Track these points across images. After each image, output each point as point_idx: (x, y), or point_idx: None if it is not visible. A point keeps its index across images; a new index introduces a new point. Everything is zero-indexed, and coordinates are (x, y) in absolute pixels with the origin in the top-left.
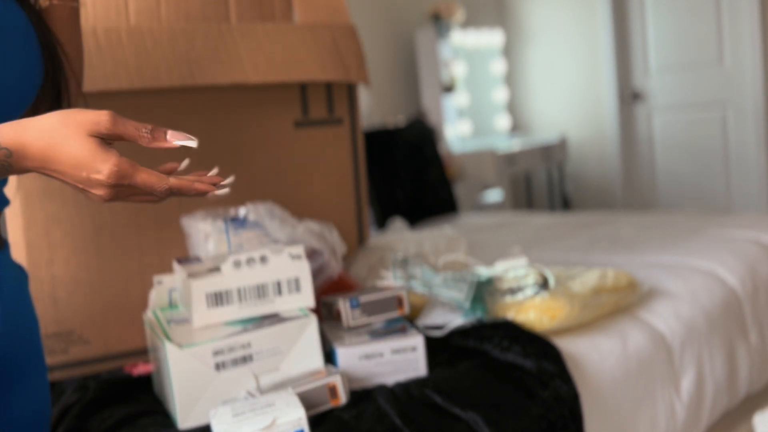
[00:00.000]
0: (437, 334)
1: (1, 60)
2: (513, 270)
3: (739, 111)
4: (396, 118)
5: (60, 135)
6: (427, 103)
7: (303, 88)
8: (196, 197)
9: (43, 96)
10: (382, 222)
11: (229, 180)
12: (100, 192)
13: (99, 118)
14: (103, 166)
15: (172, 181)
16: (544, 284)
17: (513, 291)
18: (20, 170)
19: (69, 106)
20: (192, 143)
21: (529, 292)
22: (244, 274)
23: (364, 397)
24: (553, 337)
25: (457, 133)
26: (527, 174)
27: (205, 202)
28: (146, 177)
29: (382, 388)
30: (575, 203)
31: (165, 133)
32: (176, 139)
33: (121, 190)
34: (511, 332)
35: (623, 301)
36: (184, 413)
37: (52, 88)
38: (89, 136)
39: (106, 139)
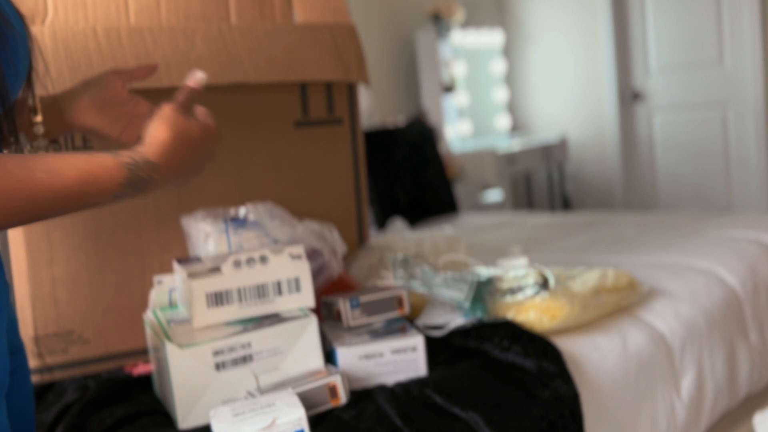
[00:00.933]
0: (437, 334)
1: (14, 71)
2: (513, 270)
3: (740, 111)
4: (396, 118)
5: (180, 130)
6: (427, 103)
7: (303, 88)
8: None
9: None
10: (382, 222)
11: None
12: (216, 145)
13: (170, 105)
14: (208, 120)
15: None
16: (544, 284)
17: (513, 291)
18: (160, 184)
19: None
20: (201, 76)
21: (529, 292)
22: (244, 274)
23: (364, 397)
24: (553, 337)
25: (457, 133)
26: (527, 174)
27: (205, 202)
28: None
29: (382, 388)
30: (575, 203)
31: (188, 84)
32: (194, 80)
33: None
34: (511, 332)
35: (623, 301)
36: (184, 413)
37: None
38: (185, 115)
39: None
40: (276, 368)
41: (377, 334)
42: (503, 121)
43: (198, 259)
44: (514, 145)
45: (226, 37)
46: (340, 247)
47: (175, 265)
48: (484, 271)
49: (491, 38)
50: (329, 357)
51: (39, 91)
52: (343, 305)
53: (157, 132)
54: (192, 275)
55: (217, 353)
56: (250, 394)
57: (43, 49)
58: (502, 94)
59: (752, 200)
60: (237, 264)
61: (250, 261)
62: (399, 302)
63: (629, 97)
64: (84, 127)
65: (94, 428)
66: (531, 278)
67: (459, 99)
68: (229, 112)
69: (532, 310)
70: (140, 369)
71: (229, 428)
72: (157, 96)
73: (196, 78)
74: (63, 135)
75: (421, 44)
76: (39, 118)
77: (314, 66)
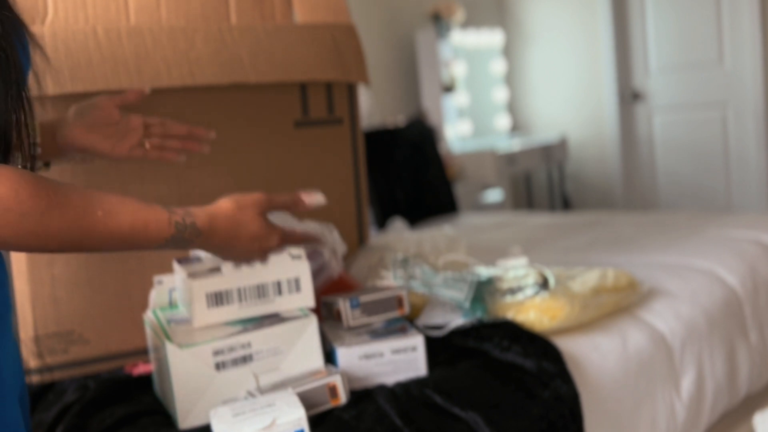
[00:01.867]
0: (437, 334)
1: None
2: (513, 270)
3: (740, 111)
4: (396, 118)
5: (240, 219)
6: (427, 103)
7: (303, 88)
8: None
9: None
10: (382, 222)
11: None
12: (263, 257)
13: (261, 198)
14: (274, 238)
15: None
16: (544, 284)
17: (513, 291)
18: (196, 247)
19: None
20: (321, 200)
21: (529, 292)
22: (244, 274)
23: (364, 397)
24: (553, 337)
25: (457, 133)
26: (527, 174)
27: (205, 202)
28: (300, 236)
29: (382, 388)
30: (575, 203)
31: (302, 200)
32: (311, 200)
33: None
34: (511, 332)
35: (623, 301)
36: (184, 413)
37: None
38: (260, 215)
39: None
40: (276, 368)
41: (377, 334)
42: (503, 121)
43: (198, 259)
44: (514, 145)
45: (226, 37)
46: (340, 247)
47: (175, 265)
48: (484, 271)
49: (491, 38)
50: (329, 357)
51: (34, 92)
52: (343, 305)
53: (224, 205)
54: (192, 275)
55: (217, 353)
56: (250, 394)
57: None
58: (502, 94)
59: (752, 200)
60: (237, 264)
61: None
62: (399, 302)
63: (629, 97)
64: (77, 147)
65: (94, 428)
66: (531, 278)
67: (459, 99)
68: (229, 112)
69: (532, 310)
70: (140, 369)
71: (229, 428)
72: (158, 96)
73: (313, 199)
74: (56, 159)
75: (421, 44)
76: (38, 139)
77: (314, 66)
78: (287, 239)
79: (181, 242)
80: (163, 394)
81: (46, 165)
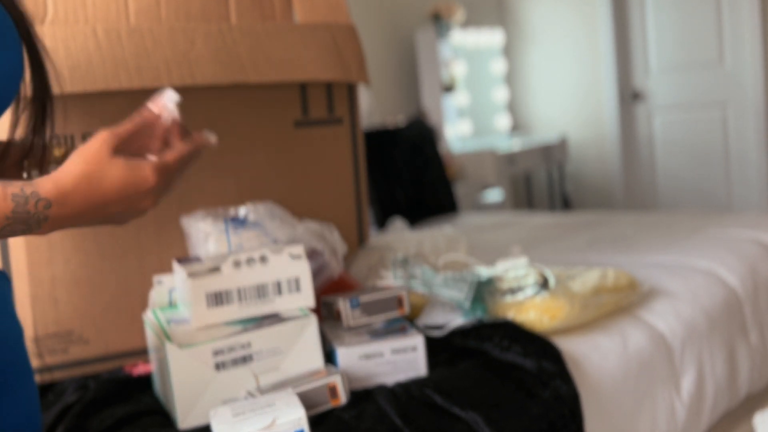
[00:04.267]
0: (437, 334)
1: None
2: (513, 270)
3: (740, 111)
4: (396, 118)
5: (94, 172)
6: (427, 102)
7: (303, 88)
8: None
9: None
10: (382, 222)
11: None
12: (148, 201)
13: (103, 137)
14: (145, 173)
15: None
16: (544, 284)
17: (513, 291)
18: (57, 223)
19: (51, 109)
20: (172, 96)
21: (529, 292)
22: (244, 273)
23: (364, 397)
24: (553, 337)
25: (457, 133)
26: (527, 174)
27: (205, 202)
28: (176, 154)
29: (382, 388)
30: (575, 203)
31: (149, 109)
32: (158, 104)
33: (162, 187)
34: (511, 332)
35: (623, 301)
36: (184, 413)
37: (37, 83)
38: (112, 155)
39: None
40: (276, 368)
41: (377, 334)
42: (503, 121)
43: (198, 259)
44: (514, 145)
45: (226, 37)
46: (340, 247)
47: (175, 265)
48: (484, 271)
49: (491, 38)
50: (329, 357)
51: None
52: (343, 305)
53: (68, 165)
54: (192, 275)
55: (217, 353)
56: (250, 394)
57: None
58: (502, 94)
59: (752, 200)
60: (237, 264)
61: (250, 261)
62: (399, 302)
63: (629, 97)
64: None
65: (95, 428)
66: (531, 278)
67: (459, 99)
68: (229, 112)
69: (532, 310)
70: (140, 369)
71: (229, 428)
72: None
73: (168, 103)
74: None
75: (421, 44)
76: (58, 152)
77: (314, 66)
78: (165, 167)
79: (30, 219)
80: (163, 394)
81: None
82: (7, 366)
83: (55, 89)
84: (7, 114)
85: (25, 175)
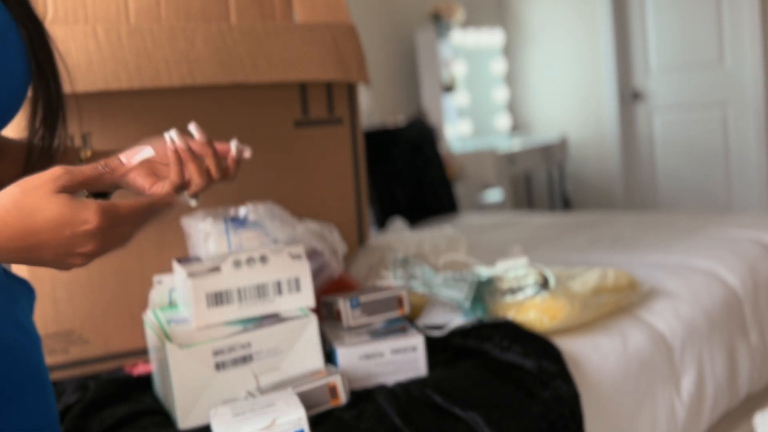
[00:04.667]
0: (437, 334)
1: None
2: (513, 270)
3: (740, 111)
4: (396, 117)
5: (28, 204)
6: (427, 102)
7: (303, 88)
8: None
9: (35, 98)
10: (382, 222)
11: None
12: (89, 247)
13: (55, 173)
14: (87, 214)
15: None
16: (544, 284)
17: (513, 291)
18: None
19: (63, 110)
20: (148, 153)
21: (529, 292)
22: (244, 273)
23: (364, 397)
24: (553, 337)
25: (457, 133)
26: (527, 174)
27: (205, 202)
28: (130, 203)
29: (382, 388)
30: (575, 203)
31: (119, 159)
32: (132, 158)
33: (108, 234)
34: (511, 332)
35: (623, 301)
36: (184, 413)
37: (42, 89)
38: (57, 193)
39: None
40: (276, 368)
41: (377, 334)
42: (503, 121)
43: (198, 259)
44: (514, 145)
45: (226, 37)
46: (340, 247)
47: (175, 265)
48: (484, 271)
49: (491, 38)
50: (329, 357)
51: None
52: (343, 305)
53: (3, 193)
54: (192, 275)
55: (217, 353)
56: (250, 394)
57: None
58: (502, 94)
59: (752, 200)
60: (237, 264)
61: (250, 261)
62: (399, 302)
63: (629, 97)
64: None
65: (95, 428)
66: (531, 278)
67: (459, 99)
68: (229, 112)
69: (532, 310)
70: (140, 369)
71: (229, 428)
72: (158, 96)
73: (137, 156)
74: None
75: (421, 44)
76: (88, 153)
77: (314, 66)
78: (113, 211)
79: None
80: (163, 394)
81: None
82: (26, 376)
83: (67, 89)
84: (22, 115)
85: None
